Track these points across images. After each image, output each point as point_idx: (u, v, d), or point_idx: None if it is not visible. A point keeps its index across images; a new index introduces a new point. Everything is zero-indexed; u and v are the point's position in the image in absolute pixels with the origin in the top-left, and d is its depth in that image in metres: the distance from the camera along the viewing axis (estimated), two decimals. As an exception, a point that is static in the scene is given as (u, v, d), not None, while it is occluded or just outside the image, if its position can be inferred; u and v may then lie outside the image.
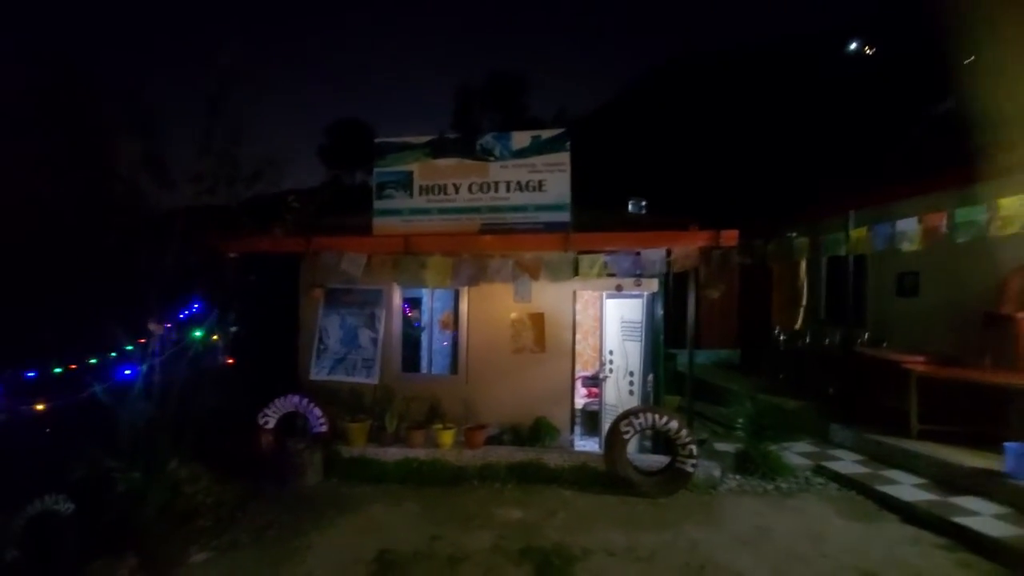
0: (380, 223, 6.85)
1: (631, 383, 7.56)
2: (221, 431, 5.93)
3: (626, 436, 5.45)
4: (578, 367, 7.83)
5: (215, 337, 5.93)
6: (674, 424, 5.36)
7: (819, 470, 6.09)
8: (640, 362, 7.42)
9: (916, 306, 7.68)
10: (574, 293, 7.18)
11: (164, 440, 4.97)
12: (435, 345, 8.74)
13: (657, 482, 5.44)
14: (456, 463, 6.09)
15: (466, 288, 7.05)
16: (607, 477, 5.62)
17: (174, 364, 5.21)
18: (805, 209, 9.21)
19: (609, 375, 7.95)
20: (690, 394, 6.83)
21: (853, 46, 18.43)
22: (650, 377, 7.19)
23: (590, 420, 8.33)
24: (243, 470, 5.71)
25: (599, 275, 6.01)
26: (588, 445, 7.94)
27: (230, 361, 6.34)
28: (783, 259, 6.90)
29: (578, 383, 8.35)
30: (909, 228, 5.94)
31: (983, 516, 4.71)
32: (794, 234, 7.04)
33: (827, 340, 8.84)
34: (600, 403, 8.08)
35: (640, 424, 5.41)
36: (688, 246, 5.72)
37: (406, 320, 8.31)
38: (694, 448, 5.36)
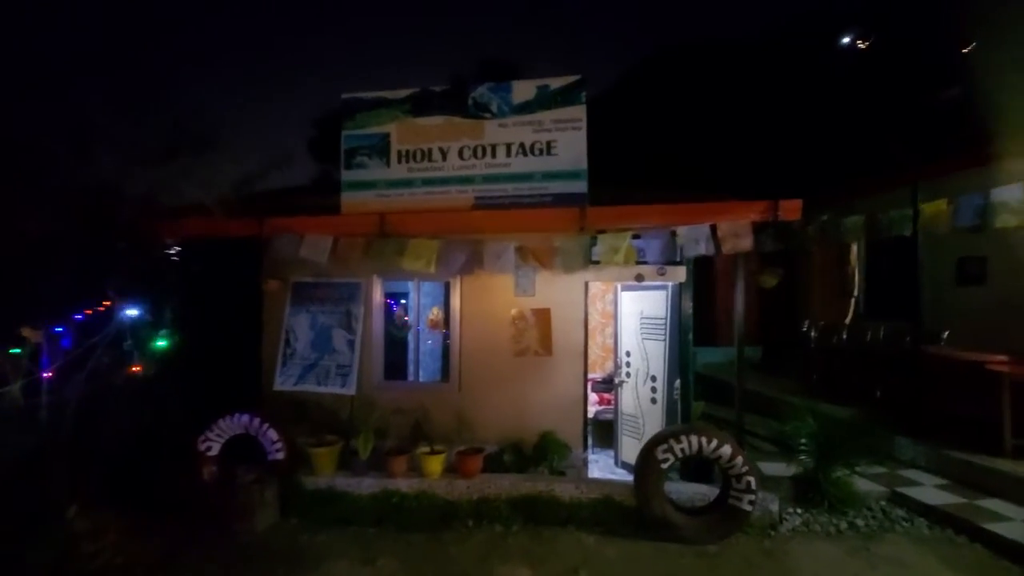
0: (350, 199, 5.38)
1: (653, 389, 6.20)
2: (148, 462, 4.54)
3: (664, 465, 4.07)
4: (588, 370, 6.46)
5: (132, 344, 4.53)
6: (727, 450, 4.00)
7: (896, 499, 4.72)
8: (664, 365, 6.06)
9: (982, 296, 6.36)
10: (586, 285, 5.80)
11: (57, 480, 3.58)
12: (423, 348, 7.36)
13: (704, 524, 4.07)
14: (446, 497, 4.70)
15: (458, 279, 5.67)
16: (637, 516, 4.27)
17: (70, 379, 3.82)
18: (855, 182, 7.84)
19: (626, 380, 6.59)
20: (739, 406, 5.40)
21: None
22: (676, 383, 5.84)
23: (602, 431, 6.96)
24: (174, 513, 4.32)
25: (626, 261, 4.60)
26: (601, 460, 6.59)
27: (158, 372, 4.94)
28: (830, 242, 5.52)
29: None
30: (1012, 198, 4.61)
31: None
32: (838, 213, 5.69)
33: (868, 336, 7.51)
34: (616, 411, 6.73)
35: (683, 450, 4.04)
36: (739, 220, 4.35)
37: (389, 319, 6.93)
38: (753, 481, 4.01)
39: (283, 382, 5.79)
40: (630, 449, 6.52)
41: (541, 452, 5.52)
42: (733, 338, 9.87)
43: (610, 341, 7.61)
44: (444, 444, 5.45)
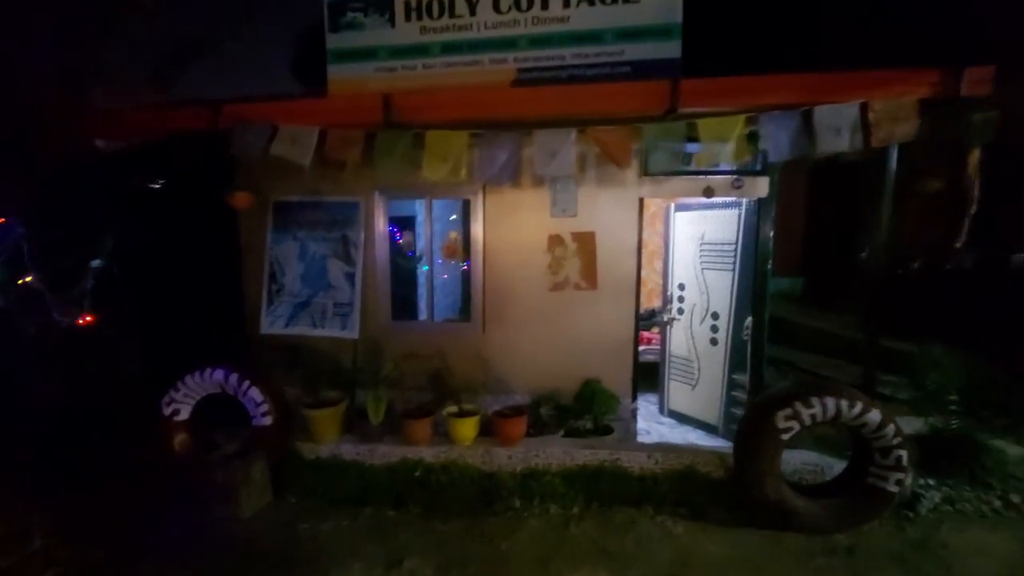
0: (340, 74, 3.81)
1: (714, 328, 5.04)
2: (99, 432, 3.36)
3: (786, 436, 2.94)
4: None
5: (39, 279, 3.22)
6: (874, 416, 2.86)
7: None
8: (730, 300, 4.88)
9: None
10: (640, 202, 4.50)
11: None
12: (437, 281, 6.11)
13: (831, 509, 2.99)
14: (482, 468, 3.59)
15: (480, 196, 4.34)
16: (730, 493, 3.21)
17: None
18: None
19: (678, 317, 5.43)
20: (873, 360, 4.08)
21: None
22: (748, 322, 4.68)
23: (643, 374, 5.89)
24: (132, 500, 3.20)
25: (738, 157, 3.20)
26: (642, 407, 5.51)
27: (93, 317, 3.65)
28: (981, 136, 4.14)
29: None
30: None
31: None
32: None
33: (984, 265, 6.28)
34: (663, 353, 5.62)
35: (814, 416, 2.88)
36: (901, 96, 2.98)
37: (395, 248, 5.64)
38: (904, 456, 2.91)
39: (271, 324, 4.56)
40: (679, 396, 5.45)
41: (584, 403, 4.42)
42: (789, 266, 8.73)
43: (656, 274, 6.38)
44: (467, 395, 4.32)
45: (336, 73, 3.76)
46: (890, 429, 2.86)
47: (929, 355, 3.84)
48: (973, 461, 3.44)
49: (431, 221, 4.83)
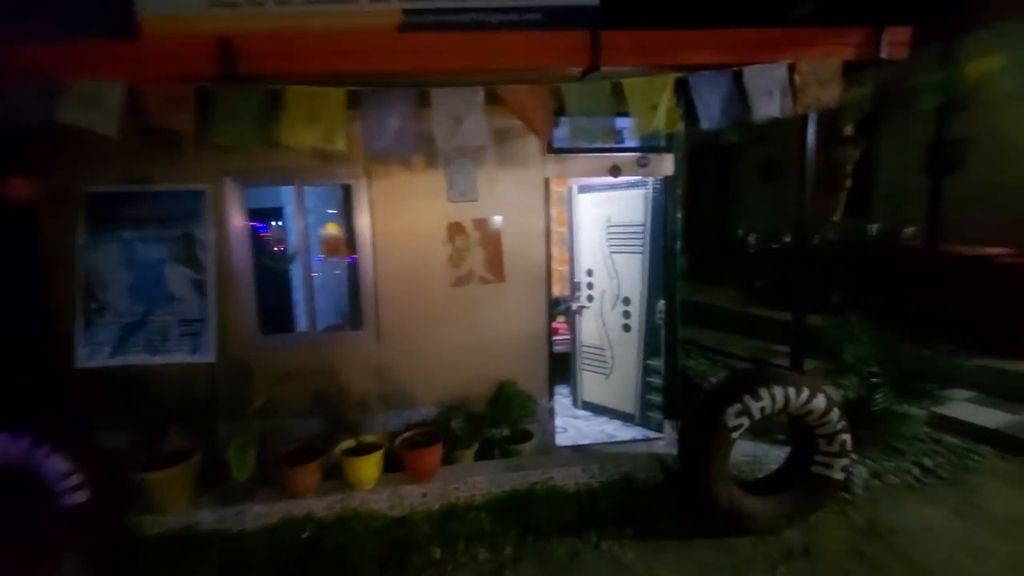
0: (157, 8, 2.74)
1: (626, 314, 4.74)
2: None
3: (736, 434, 2.60)
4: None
5: None
6: (820, 402, 2.62)
7: (939, 423, 3.85)
8: (642, 284, 4.60)
9: (956, 186, 5.61)
10: (546, 182, 4.01)
11: None
12: (318, 284, 5.15)
13: (781, 504, 2.75)
14: (391, 514, 2.86)
15: (363, 179, 3.56)
16: (675, 500, 2.86)
17: None
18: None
19: (587, 305, 5.07)
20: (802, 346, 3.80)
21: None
22: (660, 305, 4.43)
23: (554, 364, 5.46)
24: None
25: (669, 123, 2.73)
26: (557, 403, 5.10)
27: None
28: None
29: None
30: None
31: None
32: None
33: (817, 237, 6.67)
34: (573, 343, 5.24)
35: (763, 409, 2.57)
36: (828, 56, 2.72)
37: (260, 246, 4.61)
38: (848, 440, 2.72)
39: (90, 355, 3.38)
40: (593, 387, 5.11)
41: (499, 410, 3.90)
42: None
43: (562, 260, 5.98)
44: (363, 415, 3.58)
45: (150, 7, 2.70)
46: (834, 414, 2.64)
47: (844, 327, 3.80)
48: (886, 430, 3.42)
49: (303, 212, 3.93)
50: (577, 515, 2.81)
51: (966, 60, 4.17)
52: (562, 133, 3.73)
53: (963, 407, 3.91)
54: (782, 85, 2.64)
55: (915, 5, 4.63)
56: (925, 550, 2.54)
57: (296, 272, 4.98)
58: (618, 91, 2.58)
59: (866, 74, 3.19)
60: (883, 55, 2.66)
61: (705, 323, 6.59)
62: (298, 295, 4.80)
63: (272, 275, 4.61)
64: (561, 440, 4.26)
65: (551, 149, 3.91)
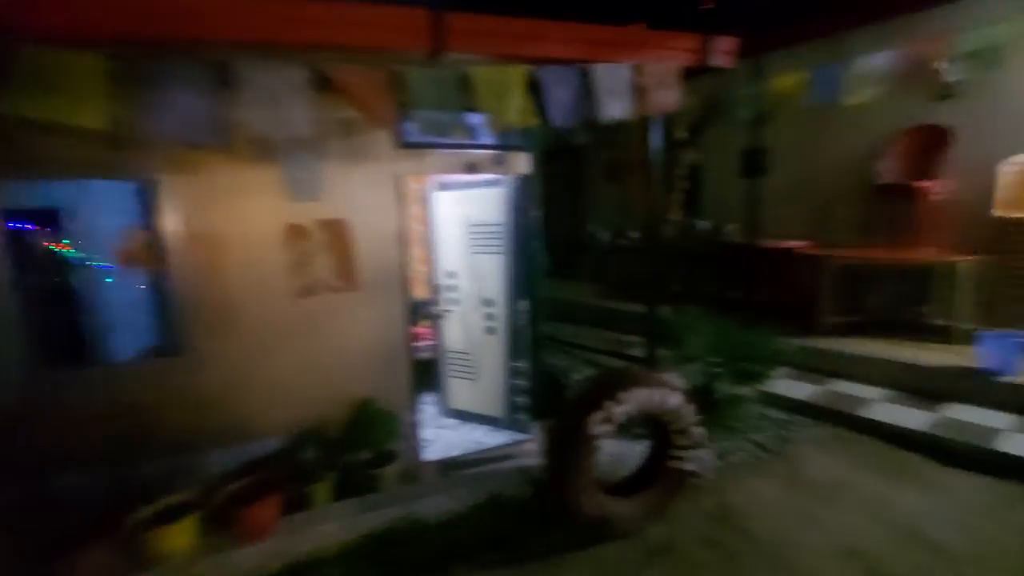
0: None
1: (490, 316, 4.61)
2: None
3: (600, 442, 2.53)
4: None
5: None
6: (676, 399, 2.69)
7: (767, 401, 4.27)
8: (503, 285, 4.49)
9: (765, 187, 6.38)
10: (399, 180, 3.69)
11: None
12: (117, 300, 4.19)
13: (642, 502, 2.78)
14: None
15: (169, 173, 2.92)
16: (543, 514, 2.75)
17: None
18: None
19: (452, 307, 4.84)
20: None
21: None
22: (523, 305, 4.36)
23: (418, 373, 5.14)
24: None
25: (522, 118, 2.54)
26: (424, 412, 4.82)
27: None
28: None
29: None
30: (877, 67, 4.14)
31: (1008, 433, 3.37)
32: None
33: (691, 233, 7.22)
34: (439, 349, 4.98)
35: (627, 412, 2.55)
36: (668, 60, 2.76)
37: (29, 256, 3.61)
38: (701, 432, 2.82)
39: None
40: (460, 393, 4.91)
41: (360, 432, 3.53)
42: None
43: (421, 263, 5.64)
44: (184, 456, 2.95)
45: None
46: (688, 410, 2.72)
47: (685, 317, 4.04)
48: (725, 413, 3.70)
49: (95, 214, 3.13)
50: (444, 547, 2.56)
51: (772, 77, 4.69)
52: (416, 127, 3.43)
53: (781, 383, 4.40)
54: (627, 86, 2.63)
55: (733, 22, 5.09)
56: (765, 525, 2.74)
57: (90, 286, 4.02)
58: (467, 82, 2.35)
59: (696, 84, 3.39)
60: (713, 63, 2.78)
61: (566, 319, 6.73)
62: (91, 316, 3.86)
63: (52, 293, 3.65)
64: (429, 453, 3.98)
65: (402, 144, 3.57)
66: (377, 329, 3.68)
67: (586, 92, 2.54)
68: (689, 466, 2.77)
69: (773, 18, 4.94)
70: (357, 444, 3.52)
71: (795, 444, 3.58)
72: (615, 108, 2.61)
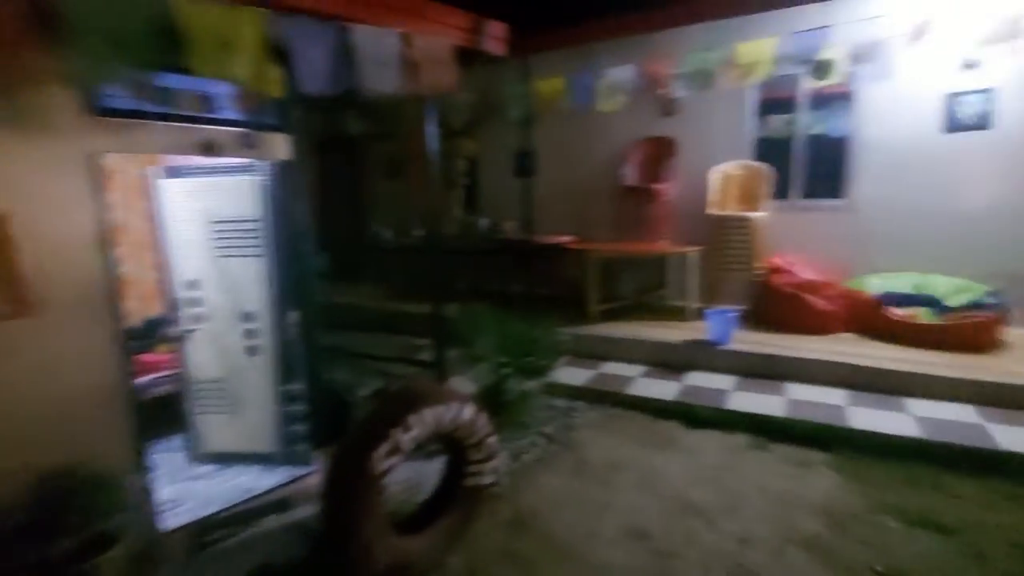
0: None
1: (250, 334, 3.79)
2: None
3: (388, 477, 2.09)
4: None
5: None
6: (467, 414, 2.41)
7: (551, 391, 4.38)
8: (266, 294, 3.72)
9: (534, 186, 6.73)
10: (95, 160, 2.69)
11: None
12: None
13: (442, 532, 2.45)
14: None
15: None
16: (324, 572, 2.22)
17: None
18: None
19: (196, 326, 3.84)
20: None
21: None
22: (293, 318, 3.69)
23: (155, 413, 3.97)
24: None
25: (259, 80, 1.89)
26: (166, 464, 3.74)
27: None
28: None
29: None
30: (623, 77, 4.51)
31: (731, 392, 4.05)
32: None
33: (471, 230, 7.11)
34: (183, 380, 3.92)
35: (416, 438, 2.15)
36: (441, 37, 2.43)
37: None
38: (495, 443, 2.61)
39: None
40: (217, 430, 3.95)
41: (57, 512, 2.51)
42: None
43: (148, 270, 4.42)
44: None
45: None
46: (481, 421, 2.52)
47: (472, 316, 3.89)
48: (515, 410, 3.67)
49: None
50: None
51: (538, 79, 4.90)
52: (122, 89, 2.51)
53: (562, 371, 4.61)
54: (395, 57, 2.26)
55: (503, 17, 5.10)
56: (560, 522, 2.71)
57: None
58: (169, 18, 1.68)
59: (471, 76, 3.22)
60: (485, 47, 2.60)
61: (351, 326, 6.09)
62: None
63: None
64: (173, 520, 3.04)
65: (98, 110, 2.60)
66: (73, 366, 2.65)
67: (346, 57, 2.09)
68: (487, 480, 2.57)
69: (537, 21, 5.14)
70: (52, 531, 2.48)
71: (578, 430, 3.72)
72: (381, 80, 2.22)
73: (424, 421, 2.18)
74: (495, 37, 2.69)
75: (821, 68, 4.00)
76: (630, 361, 4.75)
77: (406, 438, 2.12)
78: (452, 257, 6.61)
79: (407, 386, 2.64)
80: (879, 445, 3.25)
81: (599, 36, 5.23)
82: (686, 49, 4.45)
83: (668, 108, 5.91)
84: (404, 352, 5.12)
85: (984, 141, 4.97)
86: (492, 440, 2.56)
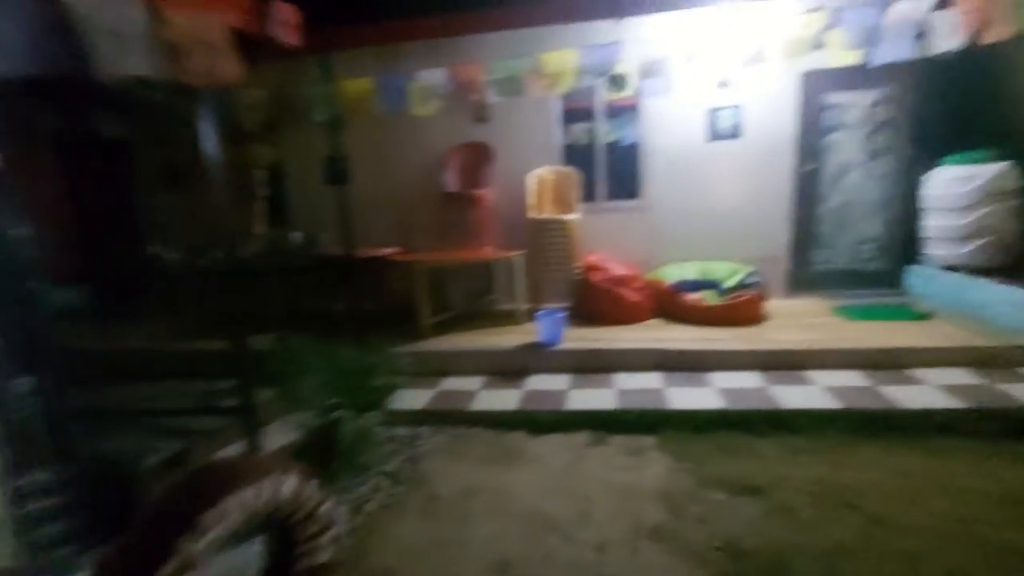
0: None
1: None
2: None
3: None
4: None
5: None
6: (289, 486, 1.89)
7: (392, 421, 3.93)
8: (-28, 359, 2.65)
9: (350, 195, 6.15)
10: None
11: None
12: None
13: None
14: None
15: None
16: None
17: None
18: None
19: None
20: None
21: None
22: (22, 384, 2.70)
23: None
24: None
25: None
26: None
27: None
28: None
29: None
30: (435, 81, 4.23)
31: (568, 391, 4.12)
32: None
33: (275, 248, 6.11)
34: None
35: (218, 538, 1.59)
36: (210, 15, 1.84)
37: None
38: (332, 508, 2.13)
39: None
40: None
41: None
42: (61, 271, 6.19)
43: None
44: None
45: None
46: (310, 488, 2.06)
47: (289, 348, 3.31)
48: (353, 452, 3.21)
49: None
50: None
51: (344, 78, 4.42)
52: None
53: (401, 396, 4.23)
54: (142, 35, 1.68)
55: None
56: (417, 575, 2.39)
57: None
58: None
59: (267, 76, 2.68)
60: (273, 33, 2.13)
61: (130, 376, 4.84)
62: None
63: None
64: None
65: None
66: None
67: (64, 29, 1.47)
68: (323, 556, 2.11)
69: (337, 13, 4.64)
70: None
71: (425, 460, 3.42)
72: (124, 59, 1.62)
73: (226, 515, 1.66)
74: (284, 22, 2.23)
75: (616, 81, 4.30)
76: (469, 373, 4.58)
77: (201, 543, 1.58)
78: (259, 279, 5.73)
79: (198, 472, 2.04)
80: (694, 420, 3.58)
81: (405, 36, 4.94)
82: (495, 56, 4.42)
83: (481, 114, 5.89)
84: (205, 400, 4.20)
85: (736, 148, 5.93)
86: (326, 508, 2.11)
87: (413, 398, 4.18)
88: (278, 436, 3.37)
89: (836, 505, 2.72)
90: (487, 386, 4.37)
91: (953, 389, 3.76)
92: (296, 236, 6.30)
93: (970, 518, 2.56)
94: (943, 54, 3.96)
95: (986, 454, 3.11)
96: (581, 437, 3.57)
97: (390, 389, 3.61)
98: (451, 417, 3.88)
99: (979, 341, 4.30)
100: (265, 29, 2.08)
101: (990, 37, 3.76)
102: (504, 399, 4.08)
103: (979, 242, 5.04)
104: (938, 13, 3.83)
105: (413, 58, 4.96)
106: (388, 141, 6.27)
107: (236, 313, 3.73)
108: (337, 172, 5.88)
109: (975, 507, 2.64)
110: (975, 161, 5.08)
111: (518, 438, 3.62)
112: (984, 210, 4.98)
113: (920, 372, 4.10)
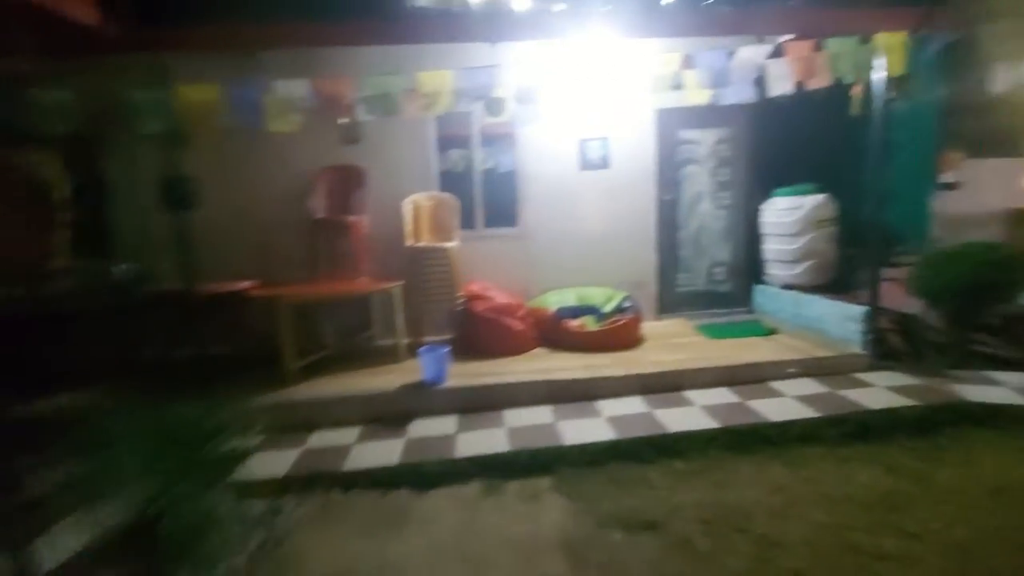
0: None
1: None
2: None
3: None
4: None
5: None
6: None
7: (246, 493, 3.19)
8: None
9: (195, 220, 5.22)
10: None
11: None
12: None
13: None
14: None
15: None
16: None
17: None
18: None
19: None
20: None
21: None
22: None
23: None
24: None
25: None
26: None
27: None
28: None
29: None
30: (296, 94, 3.67)
31: (457, 435, 3.74)
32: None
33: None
34: None
35: None
36: None
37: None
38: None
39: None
40: None
41: None
42: None
43: None
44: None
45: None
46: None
47: (104, 413, 2.54)
48: (191, 546, 2.52)
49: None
50: None
51: (183, 84, 3.70)
52: None
53: (258, 459, 3.53)
54: None
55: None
56: None
57: None
58: None
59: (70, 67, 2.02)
60: (68, 13, 1.57)
61: None
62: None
63: None
64: None
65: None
66: None
67: None
68: None
69: (179, 14, 3.92)
70: None
71: (289, 540, 2.81)
72: None
73: None
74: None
75: (494, 105, 4.15)
76: (344, 424, 4.01)
77: None
78: (69, 323, 4.57)
79: None
80: (587, 454, 3.44)
81: (258, 42, 4.31)
82: (365, 71, 4.03)
83: (351, 134, 5.41)
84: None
85: (604, 177, 6.15)
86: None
87: (274, 460, 3.51)
88: (71, 538, 2.55)
89: (728, 530, 2.70)
90: (364, 437, 3.84)
91: (806, 399, 4.10)
92: (122, 269, 5.18)
93: (844, 525, 2.68)
94: (776, 98, 4.43)
95: (842, 458, 3.36)
96: (473, 488, 3.22)
97: (241, 455, 2.95)
98: (321, 480, 3.30)
99: (819, 352, 4.79)
100: (56, 6, 1.51)
101: (813, 85, 4.29)
102: (385, 452, 3.59)
103: (807, 264, 5.72)
104: (772, 61, 4.28)
105: (275, 67, 4.35)
106: (245, 159, 5.48)
107: (31, 368, 2.88)
108: (179, 195, 5.00)
109: (845, 515, 2.78)
110: (800, 193, 5.79)
111: (402, 497, 3.17)
112: (808, 236, 5.67)
113: (778, 384, 4.43)
